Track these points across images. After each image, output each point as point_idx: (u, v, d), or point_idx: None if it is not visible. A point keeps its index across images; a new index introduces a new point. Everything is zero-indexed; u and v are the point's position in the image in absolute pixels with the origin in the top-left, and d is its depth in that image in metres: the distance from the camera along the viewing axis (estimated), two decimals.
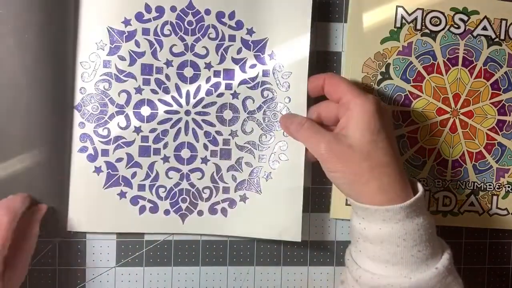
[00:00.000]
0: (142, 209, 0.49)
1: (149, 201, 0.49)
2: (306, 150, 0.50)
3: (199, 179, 0.49)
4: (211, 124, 0.49)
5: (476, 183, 0.55)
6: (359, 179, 0.43)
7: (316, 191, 0.54)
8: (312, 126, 0.46)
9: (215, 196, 0.50)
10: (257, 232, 0.50)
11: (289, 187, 0.50)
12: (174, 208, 0.49)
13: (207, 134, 0.49)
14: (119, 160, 0.49)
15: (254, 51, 0.49)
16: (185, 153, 0.49)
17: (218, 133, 0.49)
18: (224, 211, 0.50)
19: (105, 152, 0.48)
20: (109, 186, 0.49)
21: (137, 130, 0.49)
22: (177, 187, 0.49)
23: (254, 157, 0.50)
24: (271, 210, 0.50)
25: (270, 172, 0.49)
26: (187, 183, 0.49)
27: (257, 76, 0.49)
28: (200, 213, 0.50)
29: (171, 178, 0.49)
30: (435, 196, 0.54)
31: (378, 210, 0.42)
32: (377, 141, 0.43)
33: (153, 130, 0.49)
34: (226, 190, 0.50)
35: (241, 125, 0.49)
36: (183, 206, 0.49)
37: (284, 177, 0.50)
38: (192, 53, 0.49)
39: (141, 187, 0.49)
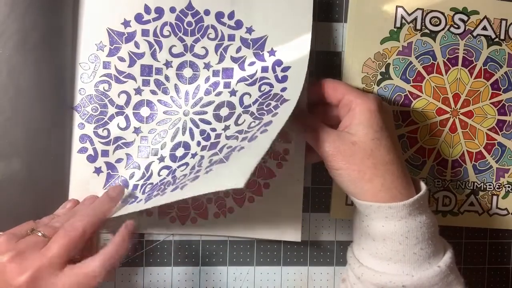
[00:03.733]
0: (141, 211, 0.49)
1: (135, 198, 0.49)
2: (307, 151, 0.50)
3: (182, 170, 0.48)
4: (207, 123, 0.49)
5: (476, 183, 0.55)
6: (363, 176, 0.43)
7: (316, 191, 0.54)
8: (316, 124, 0.46)
9: (186, 177, 0.46)
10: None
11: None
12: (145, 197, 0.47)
13: (202, 132, 0.49)
14: (119, 160, 0.49)
15: (253, 49, 0.49)
16: (180, 151, 0.49)
17: (213, 129, 0.49)
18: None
19: (105, 153, 0.48)
20: (109, 186, 0.49)
21: (137, 131, 0.49)
22: (161, 181, 0.48)
23: (237, 140, 0.46)
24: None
25: (243, 147, 0.44)
26: (170, 177, 0.48)
27: (255, 73, 0.49)
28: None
29: (161, 175, 0.49)
30: (435, 196, 0.54)
31: (381, 207, 0.42)
32: (380, 139, 0.44)
33: (152, 131, 0.49)
34: (197, 171, 0.46)
35: (235, 119, 0.49)
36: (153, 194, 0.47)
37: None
38: (192, 53, 0.48)
39: (135, 187, 0.49)
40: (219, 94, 0.49)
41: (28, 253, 0.39)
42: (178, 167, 0.49)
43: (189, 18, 0.48)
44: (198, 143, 0.49)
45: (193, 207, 0.50)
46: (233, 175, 0.39)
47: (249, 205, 0.50)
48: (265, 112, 0.47)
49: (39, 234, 0.41)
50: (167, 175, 0.48)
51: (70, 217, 0.44)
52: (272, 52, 0.49)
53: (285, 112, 0.44)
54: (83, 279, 0.40)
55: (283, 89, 0.48)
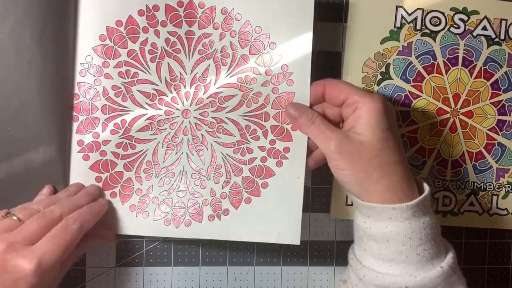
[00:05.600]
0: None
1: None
2: (307, 155, 0.49)
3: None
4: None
5: (476, 183, 0.55)
6: (369, 178, 0.43)
7: (316, 191, 0.54)
8: (322, 122, 0.46)
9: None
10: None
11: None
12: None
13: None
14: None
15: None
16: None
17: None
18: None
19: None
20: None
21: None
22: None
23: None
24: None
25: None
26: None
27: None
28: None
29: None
30: (435, 196, 0.54)
31: (385, 209, 0.42)
32: (387, 139, 0.43)
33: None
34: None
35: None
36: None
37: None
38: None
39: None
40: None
41: (0, 233, 0.39)
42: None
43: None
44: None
45: (188, 210, 0.49)
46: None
47: (246, 206, 0.49)
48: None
49: (14, 218, 0.41)
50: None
51: (50, 203, 0.43)
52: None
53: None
54: (60, 238, 0.40)
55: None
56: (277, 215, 0.49)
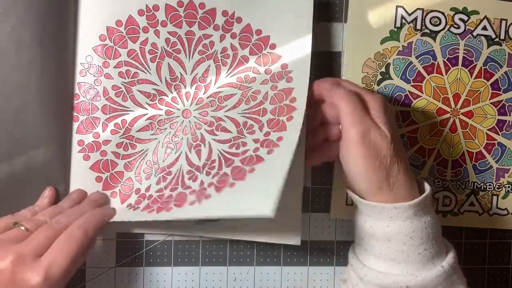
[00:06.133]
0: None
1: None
2: (307, 153, 0.47)
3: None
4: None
5: (476, 183, 0.55)
6: (377, 173, 0.43)
7: (316, 191, 0.54)
8: (359, 103, 0.44)
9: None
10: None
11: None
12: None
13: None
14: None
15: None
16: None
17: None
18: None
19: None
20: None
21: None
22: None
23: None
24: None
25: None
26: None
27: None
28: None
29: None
30: (435, 196, 0.54)
31: (386, 208, 0.42)
32: (391, 139, 0.43)
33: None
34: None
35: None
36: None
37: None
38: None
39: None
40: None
41: (9, 244, 0.39)
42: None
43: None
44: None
45: (173, 199, 0.46)
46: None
47: (229, 189, 0.43)
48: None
49: (22, 228, 0.41)
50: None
51: (55, 213, 0.43)
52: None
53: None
54: (66, 248, 0.40)
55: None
56: (255, 193, 0.41)
